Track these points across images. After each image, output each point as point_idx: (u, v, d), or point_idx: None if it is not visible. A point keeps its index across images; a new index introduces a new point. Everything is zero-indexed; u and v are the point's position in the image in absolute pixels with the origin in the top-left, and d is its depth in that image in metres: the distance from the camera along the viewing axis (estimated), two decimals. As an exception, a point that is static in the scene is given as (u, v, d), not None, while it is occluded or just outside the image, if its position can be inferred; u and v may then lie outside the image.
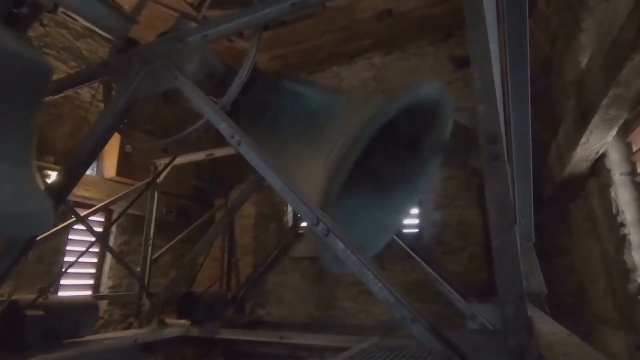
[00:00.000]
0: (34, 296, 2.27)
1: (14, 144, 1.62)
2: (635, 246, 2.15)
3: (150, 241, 3.95)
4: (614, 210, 2.28)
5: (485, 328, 2.08)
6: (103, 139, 2.09)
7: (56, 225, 3.03)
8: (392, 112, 1.66)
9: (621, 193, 2.27)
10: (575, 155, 2.43)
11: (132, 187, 4.00)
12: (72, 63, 4.26)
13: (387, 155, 2.19)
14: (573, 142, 2.37)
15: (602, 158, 2.40)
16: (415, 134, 2.08)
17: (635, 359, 2.09)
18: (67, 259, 4.01)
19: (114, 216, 4.15)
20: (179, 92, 1.95)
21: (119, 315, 4.46)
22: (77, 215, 3.06)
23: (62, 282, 4.05)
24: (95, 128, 2.08)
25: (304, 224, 4.94)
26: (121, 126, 2.29)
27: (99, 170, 4.50)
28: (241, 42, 4.63)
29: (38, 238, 2.17)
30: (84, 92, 4.19)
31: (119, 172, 4.44)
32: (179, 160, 3.97)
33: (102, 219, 4.59)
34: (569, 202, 3.18)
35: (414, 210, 4.66)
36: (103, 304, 4.26)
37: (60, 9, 1.85)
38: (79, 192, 3.96)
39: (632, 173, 2.27)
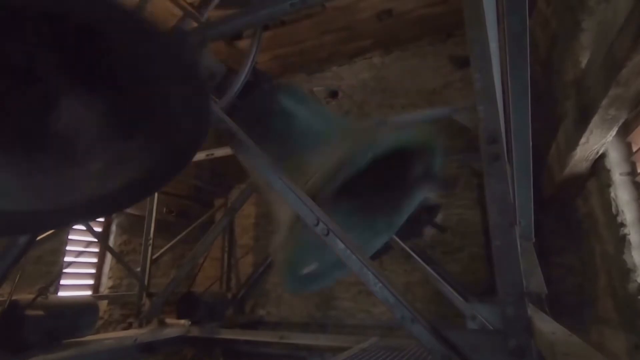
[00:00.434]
0: (33, 296, 2.27)
1: None
2: (635, 246, 2.15)
3: (150, 241, 3.95)
4: (614, 210, 2.28)
5: (485, 328, 2.08)
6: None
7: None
8: (381, 149, 1.60)
9: (621, 193, 2.27)
10: (575, 155, 2.43)
11: (132, 187, 3.99)
12: (72, 63, 4.26)
13: (372, 180, 2.10)
14: (573, 142, 2.37)
15: (602, 158, 2.40)
16: (403, 164, 2.01)
17: (636, 359, 2.09)
18: (67, 259, 4.01)
19: (114, 216, 4.16)
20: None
21: (119, 315, 4.46)
22: (77, 215, 3.05)
23: (62, 282, 4.05)
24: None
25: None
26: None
27: (99, 170, 4.49)
28: (241, 42, 4.63)
29: (38, 238, 2.17)
30: (84, 92, 4.19)
31: (119, 172, 4.43)
32: (179, 160, 3.96)
33: (102, 219, 4.59)
34: (569, 202, 3.18)
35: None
36: (103, 304, 4.26)
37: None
38: (79, 192, 3.95)
39: (632, 173, 2.27)
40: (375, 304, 4.32)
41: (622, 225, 2.22)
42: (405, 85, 5.01)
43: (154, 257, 3.98)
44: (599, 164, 2.45)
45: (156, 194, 4.06)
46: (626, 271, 2.16)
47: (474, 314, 2.15)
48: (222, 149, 3.91)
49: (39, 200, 1.32)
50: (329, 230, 1.27)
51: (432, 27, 4.73)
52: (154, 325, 3.25)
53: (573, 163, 2.53)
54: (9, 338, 2.14)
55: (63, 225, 1.71)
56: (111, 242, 4.62)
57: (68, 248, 4.08)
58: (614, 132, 2.15)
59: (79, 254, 4.23)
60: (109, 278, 4.52)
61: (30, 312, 2.18)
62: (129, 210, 3.70)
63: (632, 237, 2.17)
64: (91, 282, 4.45)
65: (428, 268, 2.66)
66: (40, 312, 2.22)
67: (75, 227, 3.51)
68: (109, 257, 4.55)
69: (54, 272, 3.80)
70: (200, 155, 4.07)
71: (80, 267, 4.30)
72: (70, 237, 4.09)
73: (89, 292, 4.36)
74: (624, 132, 2.24)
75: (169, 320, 3.38)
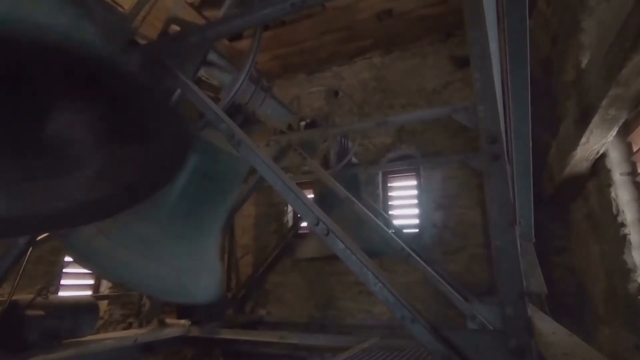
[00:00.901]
0: (33, 296, 2.27)
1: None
2: (635, 246, 2.15)
3: (150, 241, 3.94)
4: (614, 210, 2.28)
5: (485, 328, 2.08)
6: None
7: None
8: None
9: (621, 193, 2.27)
10: (575, 155, 2.43)
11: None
12: (72, 63, 4.27)
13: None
14: (573, 142, 2.37)
15: (602, 158, 2.40)
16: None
17: (636, 359, 2.09)
18: (67, 258, 4.01)
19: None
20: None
21: (119, 315, 4.46)
22: (77, 215, 3.06)
23: (62, 282, 4.05)
24: (95, 128, 2.08)
25: (304, 224, 4.95)
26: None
27: (99, 170, 4.50)
28: (241, 42, 4.63)
29: (38, 238, 2.17)
30: (84, 92, 4.19)
31: (119, 172, 4.44)
32: (179, 160, 3.96)
33: (102, 219, 4.59)
34: (569, 202, 3.18)
35: (414, 211, 4.67)
36: (103, 304, 4.26)
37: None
38: (79, 192, 3.95)
39: (632, 173, 2.27)
40: (375, 304, 4.32)
41: (623, 225, 2.22)
42: (405, 85, 5.01)
43: (154, 257, 3.97)
44: (599, 164, 2.45)
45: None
46: (626, 271, 2.16)
47: (474, 314, 2.15)
48: (222, 149, 3.91)
49: (32, 206, 1.35)
50: (329, 231, 1.27)
51: (432, 27, 4.73)
52: (154, 325, 3.25)
53: (573, 163, 2.53)
54: (9, 338, 2.14)
55: (55, 229, 1.75)
56: (111, 242, 4.62)
57: (68, 248, 4.09)
58: (614, 132, 2.15)
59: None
60: (109, 278, 4.52)
61: (30, 312, 2.18)
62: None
63: (633, 237, 2.17)
64: (91, 282, 4.45)
65: (428, 268, 2.65)
66: (40, 312, 2.22)
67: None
68: (109, 257, 4.54)
69: (54, 272, 3.80)
70: (200, 155, 4.06)
71: (80, 267, 4.30)
72: (70, 237, 4.09)
73: (89, 292, 4.36)
74: (624, 132, 2.24)
75: (169, 320, 3.39)
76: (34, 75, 1.25)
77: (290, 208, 5.33)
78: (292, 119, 3.22)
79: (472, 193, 4.26)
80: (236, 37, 4.64)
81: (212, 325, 3.52)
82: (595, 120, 2.03)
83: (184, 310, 3.60)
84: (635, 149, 2.26)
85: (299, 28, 4.72)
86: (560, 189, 3.00)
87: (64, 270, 3.97)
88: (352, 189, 3.16)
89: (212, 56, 2.18)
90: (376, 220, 2.95)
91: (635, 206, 2.23)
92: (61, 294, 3.93)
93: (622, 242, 2.21)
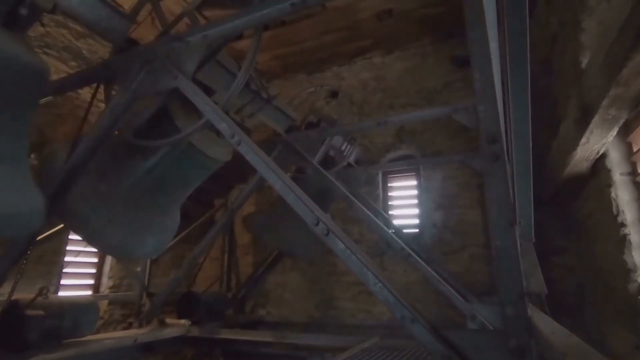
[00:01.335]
0: (33, 296, 2.27)
1: (6, 144, 1.63)
2: (635, 246, 2.15)
3: (150, 241, 3.95)
4: (614, 210, 2.28)
5: (485, 328, 2.08)
6: (103, 139, 2.09)
7: (56, 225, 3.03)
8: None
9: (621, 193, 2.27)
10: (575, 155, 2.42)
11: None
12: (72, 63, 4.26)
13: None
14: (573, 142, 2.36)
15: (602, 158, 2.40)
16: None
17: (636, 359, 2.09)
18: (67, 259, 4.01)
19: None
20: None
21: (119, 315, 4.45)
22: (77, 215, 3.06)
23: (62, 282, 4.05)
24: (95, 128, 2.08)
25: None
26: (121, 126, 2.29)
27: (99, 170, 4.51)
28: (241, 42, 4.63)
29: (38, 238, 2.17)
30: (84, 92, 4.19)
31: (119, 172, 4.44)
32: (179, 160, 3.96)
33: (102, 219, 4.59)
34: (569, 202, 3.17)
35: (414, 210, 4.67)
36: (103, 304, 4.26)
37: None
38: (79, 192, 3.96)
39: (633, 173, 2.27)
40: (375, 304, 4.32)
41: (623, 225, 2.22)
42: (406, 85, 5.01)
43: (154, 257, 3.98)
44: (599, 164, 2.45)
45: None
46: (626, 271, 2.16)
47: (474, 314, 2.15)
48: (222, 148, 3.91)
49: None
50: (329, 231, 1.27)
51: (433, 27, 4.73)
52: (154, 325, 3.25)
53: (573, 163, 2.53)
54: (9, 338, 2.14)
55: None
56: (111, 242, 4.62)
57: (68, 248, 4.08)
58: (614, 132, 2.15)
59: (79, 253, 4.23)
60: (109, 278, 4.51)
61: (30, 312, 2.18)
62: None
63: (633, 237, 2.17)
64: (91, 282, 4.44)
65: (428, 268, 2.66)
66: (40, 312, 2.22)
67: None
68: (109, 257, 4.54)
69: (54, 272, 3.80)
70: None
71: (80, 267, 4.30)
72: (70, 236, 4.09)
73: (89, 292, 4.35)
74: (625, 132, 2.24)
75: (169, 320, 3.38)
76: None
77: (290, 208, 5.32)
78: (292, 120, 3.24)
79: (472, 193, 4.27)
80: (236, 37, 4.64)
81: (212, 325, 3.52)
82: (596, 120, 2.03)
83: (184, 310, 3.60)
84: (635, 149, 2.26)
85: (299, 28, 4.72)
86: (560, 189, 3.00)
87: (64, 270, 3.96)
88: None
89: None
90: (376, 220, 2.95)
91: (635, 206, 2.22)
92: (61, 294, 3.93)
93: (622, 242, 2.20)
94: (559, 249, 3.44)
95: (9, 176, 1.64)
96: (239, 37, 4.65)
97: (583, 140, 2.24)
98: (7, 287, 2.38)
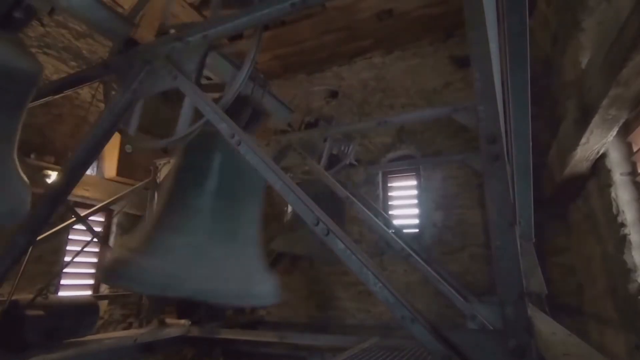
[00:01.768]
0: (33, 296, 2.27)
1: None
2: (635, 246, 2.15)
3: (150, 241, 3.94)
4: (614, 210, 2.28)
5: (485, 328, 2.08)
6: (103, 139, 2.09)
7: (56, 225, 3.03)
8: None
9: (621, 193, 2.27)
10: (575, 155, 2.43)
11: (132, 187, 4.01)
12: (72, 63, 4.26)
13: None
14: (573, 142, 2.37)
15: (602, 158, 2.40)
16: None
17: (636, 359, 2.09)
18: (67, 259, 4.01)
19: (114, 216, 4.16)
20: (179, 92, 1.95)
21: (119, 315, 4.45)
22: (77, 215, 3.06)
23: (62, 282, 4.05)
24: (95, 128, 2.08)
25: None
26: (121, 126, 2.29)
27: (99, 171, 4.51)
28: (241, 42, 4.62)
29: (38, 238, 2.16)
30: (84, 92, 4.19)
31: (119, 172, 4.44)
32: (179, 160, 3.96)
33: (102, 219, 4.59)
34: (569, 202, 3.17)
35: (414, 210, 4.67)
36: (103, 304, 4.26)
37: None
38: (79, 192, 3.96)
39: (633, 173, 2.27)
40: (375, 304, 4.32)
41: (623, 225, 2.22)
42: (406, 85, 5.01)
43: (154, 257, 3.97)
44: (599, 164, 2.45)
45: (156, 193, 4.06)
46: (626, 271, 2.16)
47: (474, 314, 2.15)
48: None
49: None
50: (329, 231, 1.27)
51: (433, 27, 4.73)
52: (154, 325, 3.25)
53: (573, 163, 2.53)
54: (9, 338, 2.14)
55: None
56: (111, 241, 4.62)
57: (68, 248, 4.08)
58: (614, 132, 2.15)
59: (79, 253, 4.23)
60: (109, 278, 4.51)
61: (30, 312, 2.18)
62: (128, 210, 3.69)
63: (633, 237, 2.17)
64: (91, 282, 4.44)
65: (428, 268, 2.65)
66: (40, 312, 2.22)
67: (75, 227, 3.51)
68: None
69: (54, 272, 3.80)
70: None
71: (80, 267, 4.30)
72: (70, 236, 4.09)
73: (89, 292, 4.35)
74: (625, 132, 2.24)
75: (169, 320, 3.38)
76: None
77: (290, 208, 5.33)
78: (293, 118, 3.22)
79: (472, 193, 4.27)
80: (236, 37, 4.64)
81: (212, 325, 3.52)
82: (596, 120, 2.03)
83: (184, 310, 3.60)
84: (635, 149, 2.26)
85: (299, 28, 4.72)
86: (560, 189, 3.00)
87: (64, 270, 3.96)
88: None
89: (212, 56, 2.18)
90: (376, 220, 2.95)
91: (635, 206, 2.22)
92: (61, 294, 3.93)
93: (622, 242, 2.20)
94: (559, 249, 3.44)
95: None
96: (239, 37, 4.66)
97: (583, 140, 2.24)
98: (7, 287, 2.38)
